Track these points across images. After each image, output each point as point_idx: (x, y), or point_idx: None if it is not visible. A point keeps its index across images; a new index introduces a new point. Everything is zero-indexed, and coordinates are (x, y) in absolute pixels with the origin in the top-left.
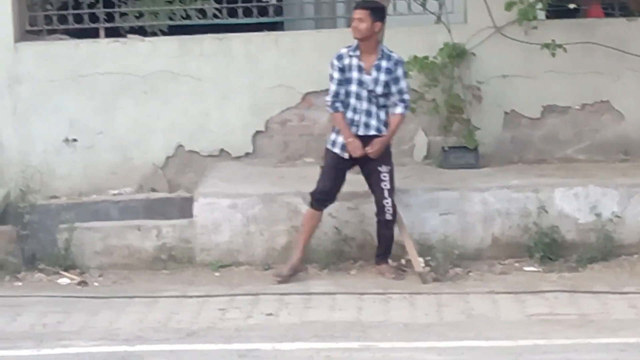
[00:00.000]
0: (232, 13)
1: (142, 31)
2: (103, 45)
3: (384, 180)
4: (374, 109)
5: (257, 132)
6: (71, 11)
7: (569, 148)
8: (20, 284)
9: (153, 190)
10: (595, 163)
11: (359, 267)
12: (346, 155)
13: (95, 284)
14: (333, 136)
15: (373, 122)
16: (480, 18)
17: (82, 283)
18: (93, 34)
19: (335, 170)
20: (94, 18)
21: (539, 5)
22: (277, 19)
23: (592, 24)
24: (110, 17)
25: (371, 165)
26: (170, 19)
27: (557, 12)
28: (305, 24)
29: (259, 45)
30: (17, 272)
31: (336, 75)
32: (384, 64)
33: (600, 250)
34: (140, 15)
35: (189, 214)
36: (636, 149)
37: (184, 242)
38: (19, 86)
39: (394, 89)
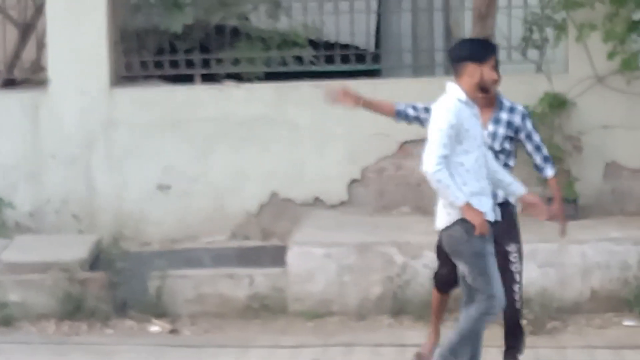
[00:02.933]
0: (329, 60)
1: (238, 77)
2: (199, 91)
3: (514, 262)
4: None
5: (353, 181)
6: (167, 57)
7: None
8: (111, 331)
9: (246, 238)
10: None
11: (454, 318)
12: None
13: (187, 332)
14: None
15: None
16: (582, 68)
17: (174, 331)
18: (189, 80)
19: None
20: (190, 64)
21: None
22: (375, 66)
23: None
24: (206, 63)
25: (497, 244)
26: (267, 65)
27: None
28: (404, 71)
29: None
30: (108, 319)
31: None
32: (504, 116)
33: None
34: (236, 62)
35: (282, 262)
36: None
37: (276, 291)
38: (114, 131)
39: (529, 147)
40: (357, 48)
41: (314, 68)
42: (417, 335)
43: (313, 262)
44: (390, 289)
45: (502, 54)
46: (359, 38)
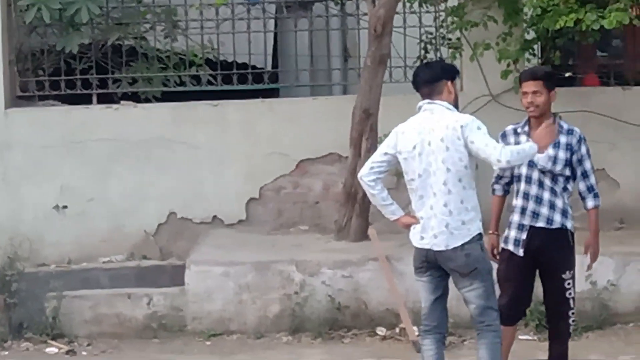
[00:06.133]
0: (227, 80)
1: (135, 97)
2: (95, 111)
3: (568, 289)
4: (545, 195)
5: (251, 199)
6: (63, 77)
7: None
8: (6, 353)
9: (144, 257)
10: None
11: (352, 335)
12: (521, 252)
13: (84, 353)
14: (506, 231)
15: (543, 210)
16: (476, 86)
17: (70, 352)
18: (86, 100)
19: (513, 272)
20: (86, 84)
21: None
22: (273, 85)
23: (587, 92)
24: (103, 83)
25: (552, 270)
26: (164, 85)
27: None
28: (301, 91)
29: (254, 113)
30: (4, 341)
31: None
32: (563, 139)
33: (595, 318)
34: (133, 82)
35: (180, 281)
36: (632, 217)
37: (175, 311)
38: (9, 152)
39: (578, 171)
40: (254, 67)
41: (211, 88)
42: (315, 352)
43: (211, 281)
44: (289, 307)
45: (398, 73)
46: (257, 57)
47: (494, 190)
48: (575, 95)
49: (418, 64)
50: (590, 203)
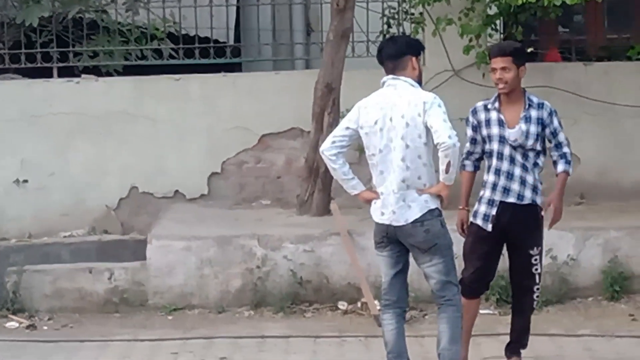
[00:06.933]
0: (189, 54)
1: (97, 71)
2: (56, 85)
3: (535, 265)
4: (517, 171)
5: (213, 174)
6: (24, 50)
7: None
8: None
9: (106, 232)
10: None
11: (314, 309)
12: (489, 228)
13: (45, 327)
14: (476, 206)
15: (514, 186)
16: (439, 61)
17: (31, 327)
18: (46, 73)
19: (479, 246)
20: (47, 57)
21: None
22: (235, 60)
23: (549, 68)
24: (63, 57)
25: (520, 246)
26: (126, 59)
27: None
28: (263, 65)
29: (216, 87)
30: None
31: (469, 132)
32: (533, 113)
33: (555, 293)
34: (94, 55)
35: (142, 256)
36: (592, 192)
37: (136, 285)
38: None
39: (552, 143)
40: (216, 41)
41: (173, 62)
42: (277, 326)
43: (173, 255)
44: (250, 281)
45: (360, 48)
46: (219, 31)
47: (464, 166)
48: (537, 71)
49: (381, 38)
50: (560, 167)
